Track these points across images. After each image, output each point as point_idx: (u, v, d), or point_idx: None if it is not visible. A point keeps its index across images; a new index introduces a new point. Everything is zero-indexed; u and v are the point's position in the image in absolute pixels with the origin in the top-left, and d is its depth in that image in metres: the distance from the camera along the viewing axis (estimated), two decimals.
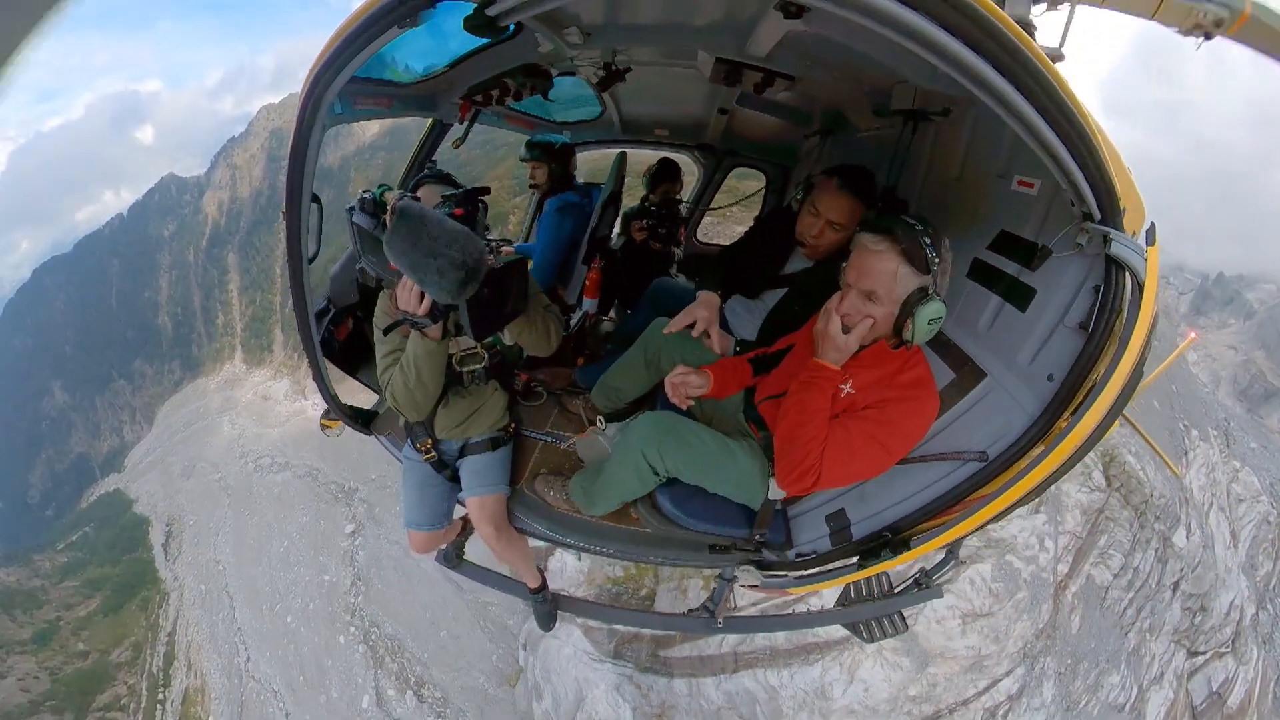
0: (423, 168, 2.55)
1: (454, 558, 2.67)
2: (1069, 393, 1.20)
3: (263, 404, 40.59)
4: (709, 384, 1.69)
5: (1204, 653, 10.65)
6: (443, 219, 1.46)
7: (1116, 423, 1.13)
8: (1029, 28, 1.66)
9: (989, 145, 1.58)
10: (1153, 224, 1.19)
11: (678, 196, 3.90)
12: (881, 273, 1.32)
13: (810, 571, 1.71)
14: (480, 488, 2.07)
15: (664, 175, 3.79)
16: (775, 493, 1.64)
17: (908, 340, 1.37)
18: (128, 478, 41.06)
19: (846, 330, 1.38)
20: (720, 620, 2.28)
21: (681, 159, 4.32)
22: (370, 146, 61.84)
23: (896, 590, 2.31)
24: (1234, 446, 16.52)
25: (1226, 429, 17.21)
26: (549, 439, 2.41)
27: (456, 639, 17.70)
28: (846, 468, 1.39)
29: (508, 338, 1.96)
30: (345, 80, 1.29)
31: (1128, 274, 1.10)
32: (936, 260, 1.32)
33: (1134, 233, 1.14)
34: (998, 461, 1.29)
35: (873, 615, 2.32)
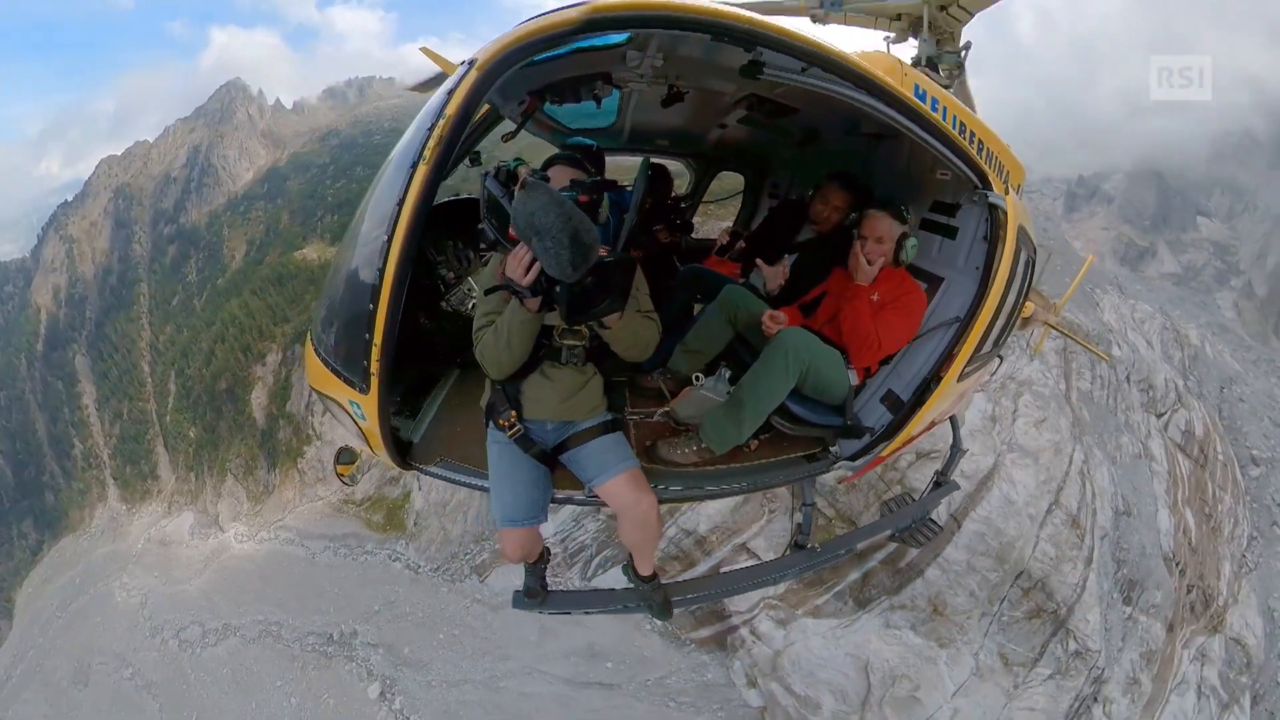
0: (465, 155, 2.72)
1: (538, 591, 2.64)
2: (988, 271, 2.33)
3: (163, 552, 31.77)
4: (786, 322, 2.58)
5: (1165, 412, 15.81)
6: (565, 201, 1.64)
7: (1026, 297, 2.52)
8: (934, 62, 2.87)
9: (921, 152, 2.40)
10: (1008, 172, 2.31)
11: (674, 194, 4.65)
12: (884, 227, 2.51)
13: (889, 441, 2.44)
14: (621, 463, 2.15)
15: (662, 180, 4.48)
16: (852, 380, 2.55)
17: (903, 261, 2.52)
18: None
19: (870, 263, 2.52)
20: (818, 546, 2.74)
21: (667, 163, 4.88)
22: (245, 197, 55.54)
23: (924, 494, 3.11)
24: (1127, 291, 23.23)
25: (1118, 282, 24.04)
26: (639, 417, 2.71)
27: None
28: (890, 334, 2.49)
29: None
30: (519, 66, 1.60)
31: (999, 210, 2.24)
32: (908, 216, 2.53)
33: (1017, 185, 2.34)
34: (966, 318, 2.37)
35: (914, 518, 3.09)
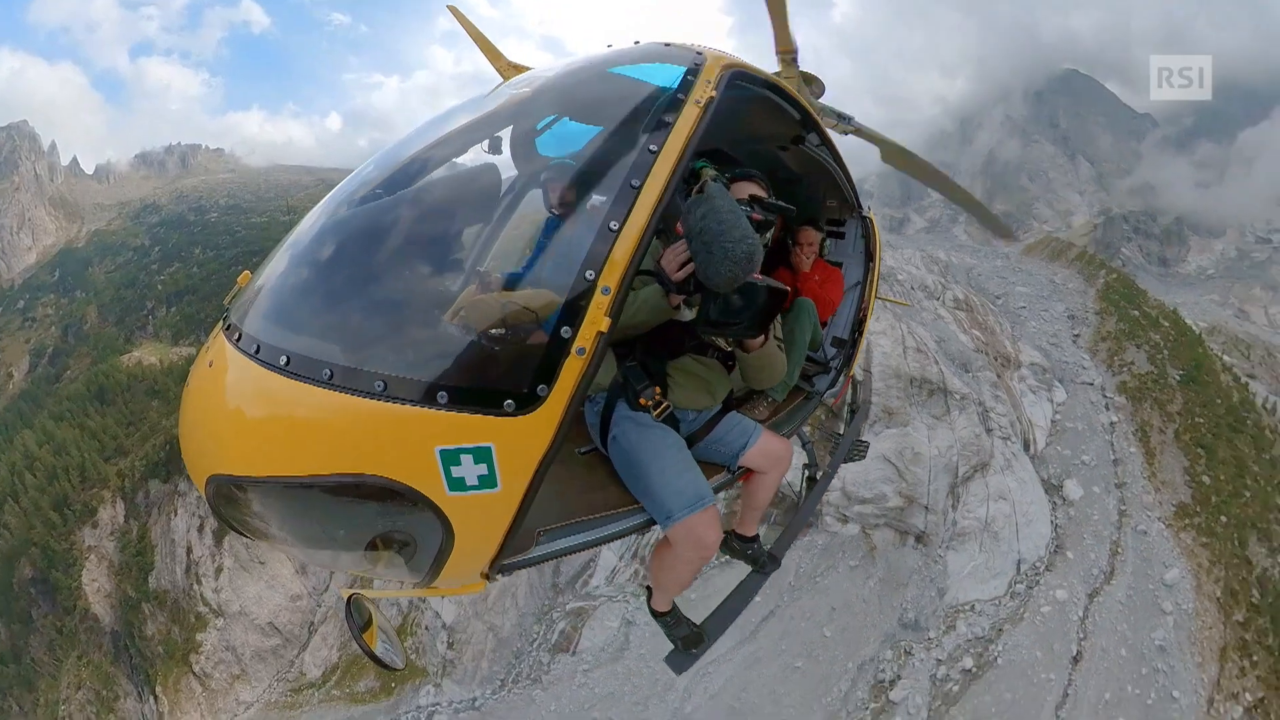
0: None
1: (695, 634, 2.92)
2: (870, 257, 4.91)
3: None
4: None
5: (939, 296, 34.05)
6: (740, 215, 1.94)
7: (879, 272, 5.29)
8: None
9: (817, 189, 4.70)
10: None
11: None
12: (812, 235, 4.43)
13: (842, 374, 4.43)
14: (757, 427, 2.75)
15: None
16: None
17: (825, 255, 4.65)
18: None
19: (807, 259, 4.45)
20: (825, 469, 4.70)
21: None
22: (28, 286, 44.40)
23: (851, 421, 5.63)
24: (896, 246, 43.71)
25: (890, 243, 44.60)
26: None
27: None
28: (836, 296, 4.64)
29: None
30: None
31: (868, 220, 4.91)
32: (825, 228, 4.82)
33: (868, 206, 5.10)
34: (864, 281, 4.92)
35: (851, 443, 5.39)
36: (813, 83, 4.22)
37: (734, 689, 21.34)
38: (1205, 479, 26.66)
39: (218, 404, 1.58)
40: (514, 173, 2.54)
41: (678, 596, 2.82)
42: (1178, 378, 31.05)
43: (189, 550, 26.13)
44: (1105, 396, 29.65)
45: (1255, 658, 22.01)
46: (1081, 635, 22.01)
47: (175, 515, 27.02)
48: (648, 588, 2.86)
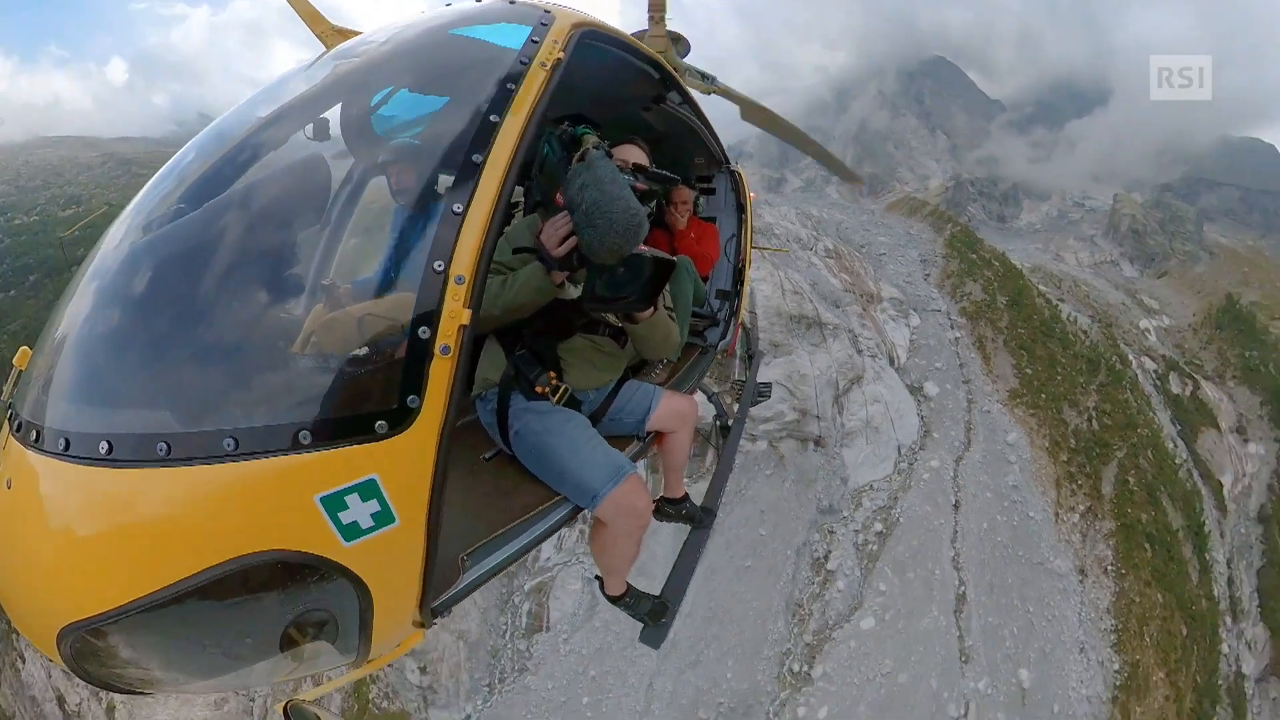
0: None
1: (660, 605, 2.87)
2: (741, 209, 5.10)
3: None
4: None
5: (812, 246, 40.45)
6: (623, 184, 1.86)
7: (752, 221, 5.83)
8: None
9: (681, 146, 4.51)
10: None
11: None
12: (685, 194, 4.53)
13: (731, 322, 4.83)
14: (657, 389, 2.80)
15: None
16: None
17: (698, 212, 4.71)
18: None
19: (681, 217, 4.53)
20: (735, 415, 4.79)
21: None
22: None
23: (750, 372, 5.70)
24: (774, 204, 50.36)
25: (768, 200, 51.22)
26: None
27: None
28: (712, 251, 4.83)
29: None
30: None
31: (736, 174, 5.09)
32: (696, 185, 5.13)
33: (736, 160, 5.39)
34: (738, 233, 5.12)
35: (754, 388, 5.53)
36: (679, 42, 4.27)
37: (703, 601, 24.25)
38: (1028, 371, 34.62)
39: (37, 534, 1.26)
40: (350, 160, 2.35)
41: (629, 576, 2.80)
42: (1005, 302, 39.17)
43: (61, 701, 19.24)
44: (950, 319, 36.95)
45: (1079, 483, 29.91)
46: (956, 489, 28.30)
47: (23, 664, 19.36)
48: (598, 578, 2.84)
